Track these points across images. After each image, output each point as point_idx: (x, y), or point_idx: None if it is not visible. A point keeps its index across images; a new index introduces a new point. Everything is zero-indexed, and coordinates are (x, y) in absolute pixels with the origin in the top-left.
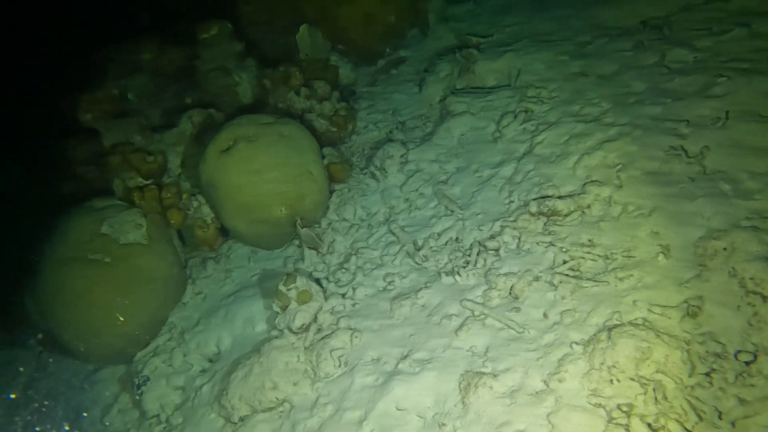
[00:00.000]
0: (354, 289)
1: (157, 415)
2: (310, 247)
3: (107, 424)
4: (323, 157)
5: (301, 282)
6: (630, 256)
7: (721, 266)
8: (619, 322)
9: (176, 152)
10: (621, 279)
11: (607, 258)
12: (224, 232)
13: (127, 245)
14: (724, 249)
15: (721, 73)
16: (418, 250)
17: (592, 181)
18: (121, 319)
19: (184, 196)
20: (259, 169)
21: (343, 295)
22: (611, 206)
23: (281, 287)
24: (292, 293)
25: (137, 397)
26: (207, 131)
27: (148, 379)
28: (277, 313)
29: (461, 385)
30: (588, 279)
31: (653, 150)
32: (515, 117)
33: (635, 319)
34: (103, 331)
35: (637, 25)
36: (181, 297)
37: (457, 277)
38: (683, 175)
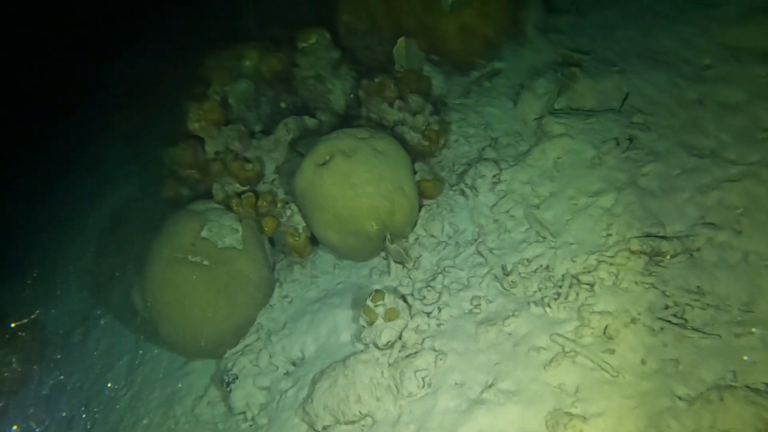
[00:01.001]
0: (440, 309)
1: (244, 413)
2: (396, 261)
3: (197, 413)
4: (415, 173)
5: (389, 299)
6: (749, 311)
7: None
8: (734, 384)
9: (272, 159)
10: (737, 335)
11: (720, 309)
12: (314, 240)
13: (224, 249)
14: None
15: None
16: (507, 275)
17: (705, 223)
18: (217, 318)
19: (279, 204)
20: (354, 183)
21: (429, 314)
22: (728, 252)
23: (369, 303)
24: (380, 310)
25: (227, 393)
26: (301, 138)
27: (237, 377)
28: (363, 327)
29: (548, 423)
30: (695, 329)
31: None
32: (618, 144)
33: (755, 383)
34: (200, 329)
35: None
36: (269, 299)
37: (547, 308)
38: None
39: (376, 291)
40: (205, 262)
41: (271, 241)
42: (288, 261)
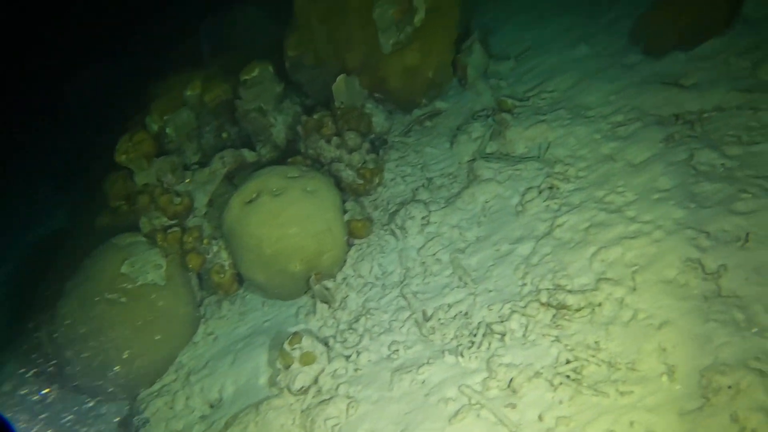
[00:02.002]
0: (359, 354)
1: None
2: (322, 302)
3: None
4: (345, 213)
5: (306, 342)
6: (634, 369)
7: (724, 406)
8: None
9: (205, 191)
10: (622, 393)
11: (611, 366)
12: (241, 278)
13: (145, 285)
14: (729, 387)
15: (746, 189)
16: (427, 320)
17: (606, 279)
18: (131, 358)
19: (205, 240)
20: (281, 223)
21: (347, 358)
22: (622, 309)
23: (286, 346)
24: (296, 353)
25: None
26: (239, 171)
27: (148, 421)
28: (280, 370)
29: None
30: (589, 386)
31: (671, 257)
32: (540, 192)
33: None
34: (113, 368)
35: (671, 117)
36: (193, 336)
37: (460, 357)
38: (698, 291)
39: (294, 334)
40: (122, 299)
41: (200, 276)
42: (217, 297)
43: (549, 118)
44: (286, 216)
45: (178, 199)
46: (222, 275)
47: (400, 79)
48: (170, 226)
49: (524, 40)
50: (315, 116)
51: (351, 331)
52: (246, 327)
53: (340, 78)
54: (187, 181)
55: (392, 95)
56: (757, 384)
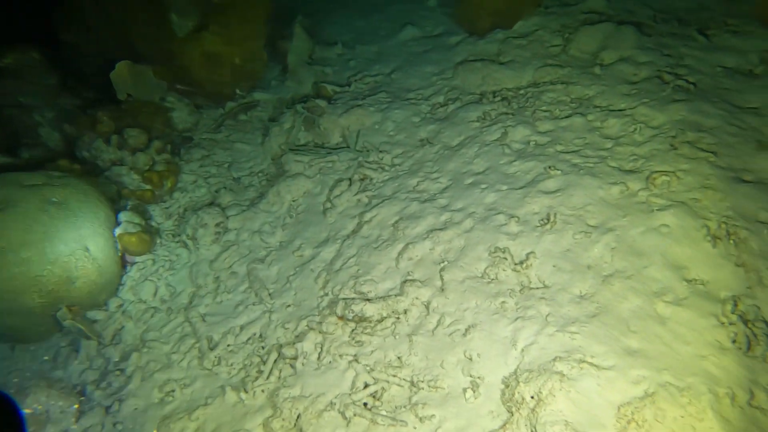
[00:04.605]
0: (121, 402)
1: None
2: (87, 338)
3: None
4: (118, 225)
5: (43, 395)
6: (437, 387)
7: (526, 421)
8: None
9: None
10: (421, 419)
11: (414, 385)
12: None
13: None
14: (532, 397)
15: (555, 166)
16: (212, 349)
17: (413, 280)
18: None
19: None
20: (3, 247)
21: (108, 409)
22: (429, 315)
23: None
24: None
25: None
26: None
27: None
28: None
29: None
30: (387, 414)
31: (480, 249)
32: (350, 185)
33: None
34: None
35: (489, 94)
36: None
37: (242, 394)
38: (506, 286)
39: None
40: None
41: None
42: None
43: (367, 103)
44: (11, 237)
45: None
46: None
47: (203, 68)
48: None
49: (355, 27)
50: (89, 112)
51: (117, 372)
52: None
53: (120, 65)
54: None
55: (198, 87)
56: (558, 389)
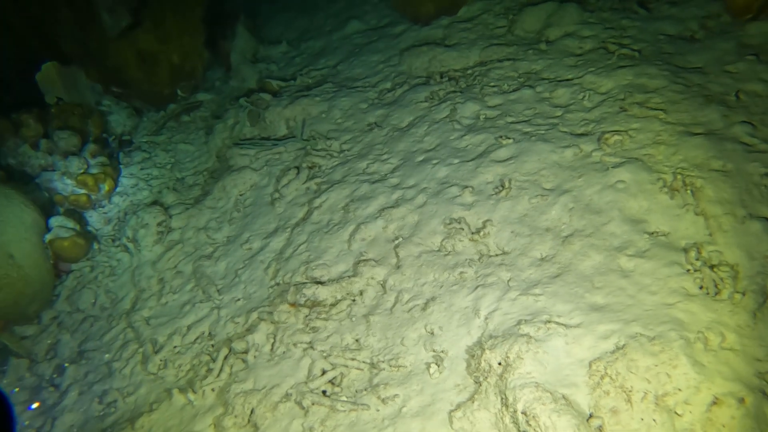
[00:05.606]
0: (54, 420)
1: None
2: (17, 356)
3: None
4: (49, 231)
5: None
6: (398, 366)
7: (495, 389)
8: None
9: None
10: (384, 400)
11: (374, 367)
12: None
13: None
14: (499, 364)
15: (507, 135)
16: (157, 352)
17: (366, 260)
18: None
19: None
20: None
21: (39, 430)
22: (386, 293)
23: None
24: None
25: None
26: None
27: None
28: None
29: None
30: (347, 400)
31: (435, 222)
32: (298, 174)
33: None
34: None
35: (436, 76)
36: None
37: (191, 395)
38: (464, 256)
39: None
40: None
41: None
42: None
43: (312, 93)
44: None
45: None
46: None
47: (138, 68)
48: None
49: (299, 26)
50: (13, 116)
51: (51, 388)
52: None
53: (47, 66)
54: None
55: (134, 88)
56: (524, 352)
